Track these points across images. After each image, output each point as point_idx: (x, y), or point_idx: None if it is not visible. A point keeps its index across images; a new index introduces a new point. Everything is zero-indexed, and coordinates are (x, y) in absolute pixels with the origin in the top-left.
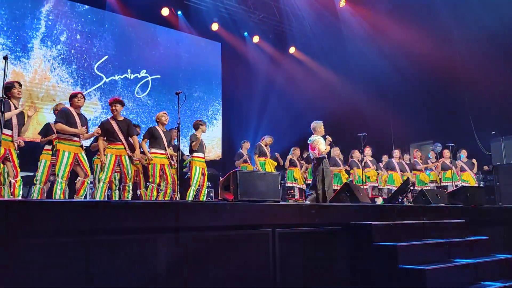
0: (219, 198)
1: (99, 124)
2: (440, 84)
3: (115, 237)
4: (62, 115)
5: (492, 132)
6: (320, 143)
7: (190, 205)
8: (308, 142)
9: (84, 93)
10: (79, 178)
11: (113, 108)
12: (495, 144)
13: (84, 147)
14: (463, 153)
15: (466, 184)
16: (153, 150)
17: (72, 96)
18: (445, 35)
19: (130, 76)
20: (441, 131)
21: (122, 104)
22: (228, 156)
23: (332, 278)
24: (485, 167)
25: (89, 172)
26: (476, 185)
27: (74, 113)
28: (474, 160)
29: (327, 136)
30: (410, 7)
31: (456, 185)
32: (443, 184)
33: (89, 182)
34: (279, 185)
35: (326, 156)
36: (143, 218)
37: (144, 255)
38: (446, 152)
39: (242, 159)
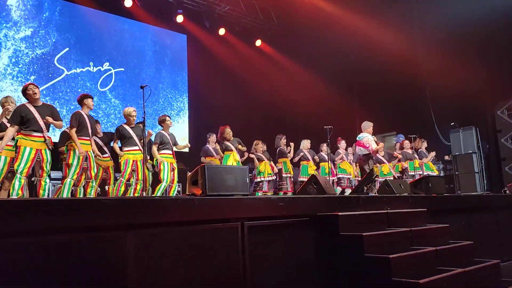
0: (187, 193)
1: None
2: (402, 78)
3: (78, 236)
4: (16, 115)
5: (451, 123)
6: (371, 141)
7: (157, 201)
8: (357, 138)
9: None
10: (34, 177)
11: (84, 103)
12: (455, 135)
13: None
14: (423, 144)
15: (432, 173)
16: (126, 149)
17: (24, 90)
18: (408, 30)
19: (93, 69)
20: (403, 123)
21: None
22: (197, 151)
23: (301, 269)
24: (446, 157)
25: (45, 172)
26: (436, 173)
27: (32, 108)
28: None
29: (373, 136)
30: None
31: (420, 174)
32: (410, 173)
33: (47, 180)
34: (247, 179)
35: (371, 153)
36: (108, 215)
37: (111, 253)
38: (407, 143)
39: (207, 155)
